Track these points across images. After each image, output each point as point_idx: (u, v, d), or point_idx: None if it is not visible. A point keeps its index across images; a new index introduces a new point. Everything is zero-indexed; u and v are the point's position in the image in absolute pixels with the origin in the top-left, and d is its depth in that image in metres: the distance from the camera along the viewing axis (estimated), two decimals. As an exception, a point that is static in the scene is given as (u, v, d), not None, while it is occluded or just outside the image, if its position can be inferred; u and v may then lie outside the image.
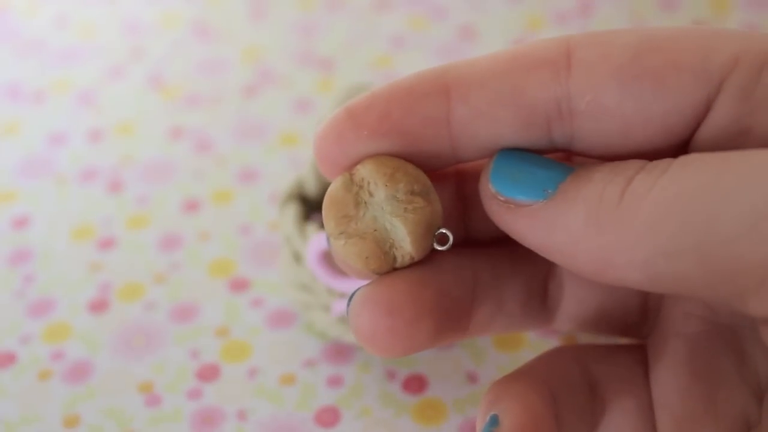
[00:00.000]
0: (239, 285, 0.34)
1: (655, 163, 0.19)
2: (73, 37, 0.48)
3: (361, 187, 0.20)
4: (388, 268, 0.21)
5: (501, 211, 0.20)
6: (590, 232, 0.19)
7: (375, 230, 0.20)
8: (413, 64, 0.45)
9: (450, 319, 0.21)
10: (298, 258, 0.32)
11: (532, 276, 0.23)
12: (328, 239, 0.21)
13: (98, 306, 0.34)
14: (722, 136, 0.20)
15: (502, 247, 0.23)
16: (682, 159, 0.18)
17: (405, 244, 0.20)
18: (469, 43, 0.46)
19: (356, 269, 0.21)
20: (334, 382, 0.31)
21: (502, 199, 0.20)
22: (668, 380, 0.21)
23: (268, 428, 0.29)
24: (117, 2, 0.50)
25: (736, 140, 0.20)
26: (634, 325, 0.24)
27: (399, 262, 0.21)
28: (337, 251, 0.21)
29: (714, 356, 0.21)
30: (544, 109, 0.20)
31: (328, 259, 0.30)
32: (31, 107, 0.44)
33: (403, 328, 0.20)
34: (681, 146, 0.20)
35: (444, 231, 0.21)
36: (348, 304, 0.21)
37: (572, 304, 0.24)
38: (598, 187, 0.19)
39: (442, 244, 0.21)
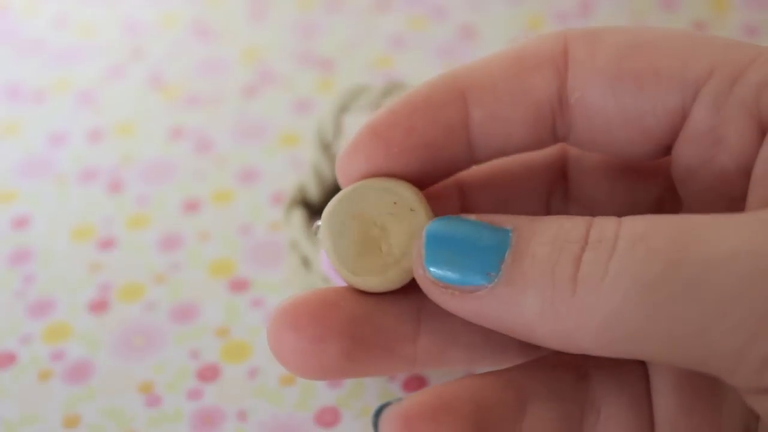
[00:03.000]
0: (239, 285, 0.34)
1: (598, 231, 0.18)
2: (73, 37, 0.48)
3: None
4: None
5: (443, 297, 0.19)
6: (547, 319, 0.18)
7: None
8: (413, 64, 0.45)
9: (373, 346, 0.21)
10: (307, 263, 0.32)
11: None
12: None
13: (98, 306, 0.34)
14: (699, 144, 0.20)
15: None
16: (628, 230, 0.18)
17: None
18: (469, 43, 0.46)
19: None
20: (334, 382, 0.31)
21: (442, 286, 0.19)
22: (671, 398, 0.21)
23: (269, 428, 0.29)
24: (117, 2, 0.50)
25: (710, 150, 0.20)
26: None
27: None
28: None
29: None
30: (549, 105, 0.21)
31: None
32: (31, 107, 0.44)
33: (308, 347, 0.20)
34: (663, 151, 0.21)
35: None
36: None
37: None
38: (546, 271, 0.18)
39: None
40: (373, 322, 0.21)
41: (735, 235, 0.17)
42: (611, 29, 0.21)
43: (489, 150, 0.22)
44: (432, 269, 0.19)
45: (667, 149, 0.21)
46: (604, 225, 0.18)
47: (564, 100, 0.21)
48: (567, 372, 0.21)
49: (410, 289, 0.21)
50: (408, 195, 0.21)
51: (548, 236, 0.19)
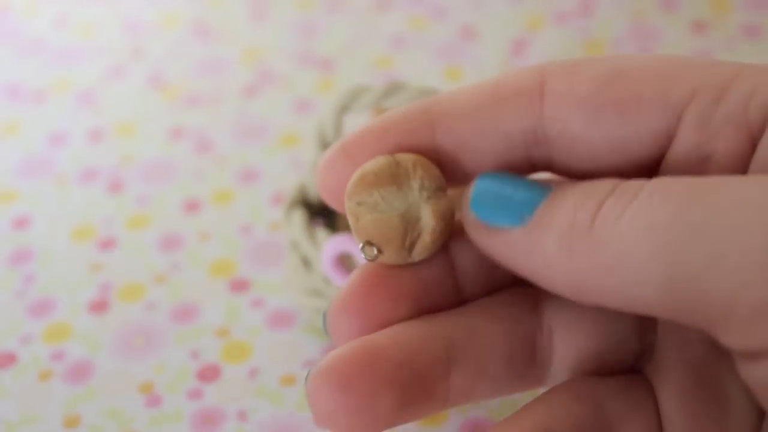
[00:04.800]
0: (239, 285, 0.34)
1: (626, 185, 0.19)
2: (73, 37, 0.48)
3: (404, 169, 0.21)
4: (400, 257, 0.21)
5: (482, 236, 0.21)
6: (563, 257, 0.19)
7: (407, 211, 0.21)
8: (413, 64, 0.45)
9: (418, 391, 0.21)
10: (307, 263, 0.32)
11: (516, 334, 0.22)
12: (354, 211, 0.21)
13: (99, 306, 0.34)
14: (686, 163, 0.21)
15: (482, 309, 0.23)
16: (653, 184, 0.19)
17: (427, 232, 0.21)
18: (469, 43, 0.46)
19: (369, 248, 0.22)
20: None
21: (482, 224, 0.20)
22: (678, 411, 0.21)
23: (269, 428, 0.30)
24: (117, 2, 0.50)
25: (698, 167, 0.21)
26: (632, 358, 0.23)
27: (414, 254, 0.22)
28: (368, 224, 0.21)
29: (720, 379, 0.21)
30: (521, 137, 0.21)
31: (343, 262, 0.30)
32: (31, 107, 0.44)
33: (361, 404, 0.20)
34: (649, 173, 0.21)
35: (365, 244, 0.21)
36: (306, 383, 0.20)
37: (566, 354, 0.23)
38: (570, 212, 0.19)
39: (370, 257, 0.21)
40: (413, 366, 0.21)
41: (746, 187, 0.18)
42: (590, 60, 0.21)
43: (460, 176, 0.22)
44: (475, 208, 0.21)
45: (652, 171, 0.21)
46: (634, 181, 0.19)
47: (540, 132, 0.21)
48: (582, 404, 0.21)
49: (436, 326, 0.22)
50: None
51: (581, 188, 0.20)
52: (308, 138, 0.40)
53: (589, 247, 0.19)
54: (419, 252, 0.21)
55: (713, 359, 0.21)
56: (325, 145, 0.33)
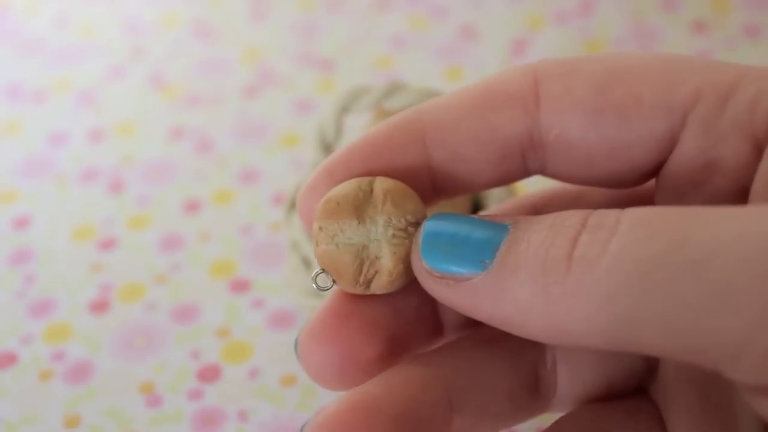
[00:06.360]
0: (240, 286, 0.34)
1: (597, 219, 0.17)
2: (73, 37, 0.48)
3: (374, 200, 0.20)
4: (356, 290, 0.20)
5: (439, 288, 0.19)
6: (538, 303, 0.17)
7: (364, 247, 0.20)
8: (413, 64, 0.45)
9: None
10: (307, 264, 0.32)
11: (518, 368, 0.22)
12: (315, 234, 0.20)
13: (99, 306, 0.34)
14: (689, 169, 0.20)
15: (480, 344, 0.22)
16: (630, 216, 0.17)
17: (385, 272, 0.20)
18: (470, 43, 0.46)
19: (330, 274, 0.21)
20: (335, 382, 0.31)
21: (437, 275, 0.19)
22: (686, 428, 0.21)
23: (269, 429, 0.30)
24: (117, 2, 0.50)
25: (702, 173, 0.20)
26: (638, 379, 0.23)
27: (373, 288, 0.20)
28: (321, 254, 0.20)
29: (726, 397, 0.20)
30: (518, 142, 0.20)
31: None
32: (31, 107, 0.44)
33: None
34: (648, 177, 0.21)
35: (320, 271, 0.20)
36: None
37: (571, 384, 0.22)
38: (540, 252, 0.17)
39: (323, 287, 0.20)
40: (412, 416, 0.20)
41: (742, 220, 0.16)
42: (585, 59, 0.20)
43: (456, 188, 0.21)
44: (427, 258, 0.19)
45: (651, 175, 0.21)
46: (605, 213, 0.18)
47: (536, 136, 0.20)
48: None
49: (433, 371, 0.21)
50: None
51: (545, 224, 0.18)
52: (308, 138, 0.40)
53: (569, 289, 0.17)
54: (378, 288, 0.20)
55: (718, 376, 0.21)
56: (325, 145, 0.33)
